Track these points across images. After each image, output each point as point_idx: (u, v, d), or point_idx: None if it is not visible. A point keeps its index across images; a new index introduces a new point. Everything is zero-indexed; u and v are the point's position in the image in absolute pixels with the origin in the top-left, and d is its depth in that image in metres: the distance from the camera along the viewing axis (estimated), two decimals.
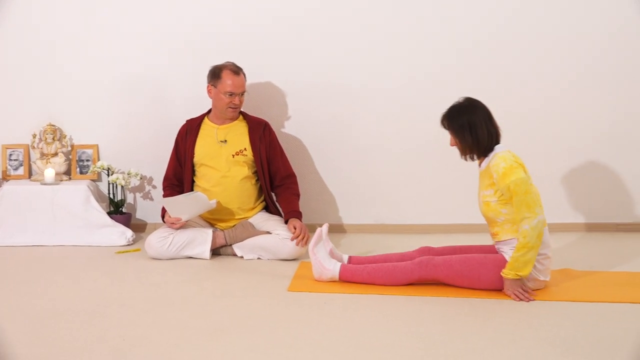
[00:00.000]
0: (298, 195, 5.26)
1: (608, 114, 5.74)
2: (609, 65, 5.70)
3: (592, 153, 5.78)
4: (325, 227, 4.45)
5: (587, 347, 3.30)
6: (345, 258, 4.51)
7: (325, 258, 4.35)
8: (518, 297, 3.98)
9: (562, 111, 5.75)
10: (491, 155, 4.12)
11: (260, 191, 5.24)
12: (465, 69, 5.73)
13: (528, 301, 3.96)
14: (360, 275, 4.28)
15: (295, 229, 4.97)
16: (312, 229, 5.39)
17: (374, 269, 4.26)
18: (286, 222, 5.08)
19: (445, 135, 4.27)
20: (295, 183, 5.30)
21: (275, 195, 5.30)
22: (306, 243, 4.92)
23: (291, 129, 5.81)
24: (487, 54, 5.72)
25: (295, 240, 4.92)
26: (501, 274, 4.02)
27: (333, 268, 4.31)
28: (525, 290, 4.01)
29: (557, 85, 5.73)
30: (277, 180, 5.24)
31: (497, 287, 4.09)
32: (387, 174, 5.82)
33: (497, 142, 4.15)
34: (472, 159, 4.19)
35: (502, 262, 4.07)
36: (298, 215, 5.11)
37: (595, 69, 5.71)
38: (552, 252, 4.16)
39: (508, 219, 4.07)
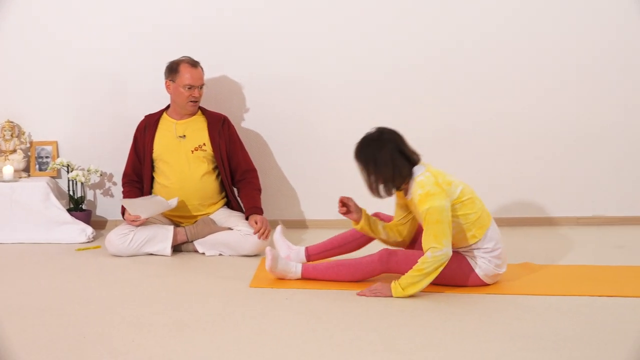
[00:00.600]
0: (259, 190, 5.27)
1: (572, 108, 5.82)
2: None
3: (553, 147, 5.83)
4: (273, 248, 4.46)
5: (547, 341, 3.33)
6: (302, 251, 4.51)
7: (286, 265, 4.30)
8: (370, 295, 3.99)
9: (529, 112, 5.83)
10: (411, 182, 4.02)
11: (222, 187, 5.23)
12: (431, 67, 5.79)
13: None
14: (322, 272, 4.25)
15: (256, 223, 4.97)
16: (273, 224, 5.41)
17: (339, 265, 4.24)
18: (247, 219, 5.08)
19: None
20: (256, 177, 5.30)
21: (237, 190, 5.30)
22: (267, 237, 4.93)
23: (251, 123, 5.81)
24: (465, 51, 5.80)
25: (257, 236, 4.93)
26: (391, 284, 3.98)
27: (295, 271, 4.29)
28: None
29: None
30: (237, 175, 5.24)
31: (456, 282, 4.11)
32: (349, 169, 5.82)
33: (415, 164, 4.03)
34: (388, 193, 4.06)
35: (464, 259, 4.09)
36: (259, 211, 5.12)
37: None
38: (504, 244, 4.15)
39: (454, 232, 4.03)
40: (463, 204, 4.01)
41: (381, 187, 4.04)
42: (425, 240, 3.91)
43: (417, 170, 4.02)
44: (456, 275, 4.09)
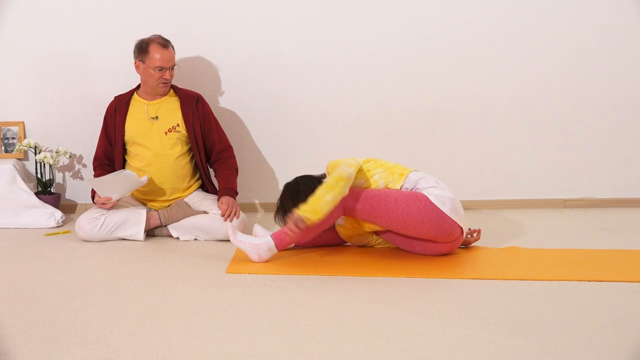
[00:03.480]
0: (235, 170, 5.25)
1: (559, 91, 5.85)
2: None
3: (539, 129, 5.85)
4: (231, 223, 4.61)
5: (533, 327, 3.34)
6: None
7: (251, 238, 4.37)
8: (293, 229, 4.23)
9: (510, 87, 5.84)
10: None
11: (196, 169, 5.22)
12: (418, 47, 5.83)
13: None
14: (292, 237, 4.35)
15: (223, 204, 4.96)
16: (251, 207, 5.39)
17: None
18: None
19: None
20: (232, 156, 5.28)
21: (214, 171, 5.29)
22: (232, 220, 4.93)
23: (227, 103, 5.79)
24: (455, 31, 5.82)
25: (226, 219, 4.91)
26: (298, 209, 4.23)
27: (265, 240, 4.33)
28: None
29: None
30: (213, 155, 5.23)
31: (414, 222, 4.24)
32: (329, 149, 5.84)
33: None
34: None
35: (423, 197, 4.24)
36: (231, 193, 5.09)
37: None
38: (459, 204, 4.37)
39: (378, 179, 4.42)
40: (368, 167, 4.48)
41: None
42: (333, 173, 4.30)
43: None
44: (417, 214, 4.23)
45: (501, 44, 5.78)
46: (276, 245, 4.32)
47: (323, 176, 4.58)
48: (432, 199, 4.25)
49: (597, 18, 5.76)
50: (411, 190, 4.36)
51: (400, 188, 4.38)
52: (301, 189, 4.49)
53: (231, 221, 4.91)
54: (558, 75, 5.81)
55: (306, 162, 5.81)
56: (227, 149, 5.28)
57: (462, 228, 4.35)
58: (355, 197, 4.30)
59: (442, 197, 4.28)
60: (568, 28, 5.77)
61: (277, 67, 5.79)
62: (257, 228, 4.68)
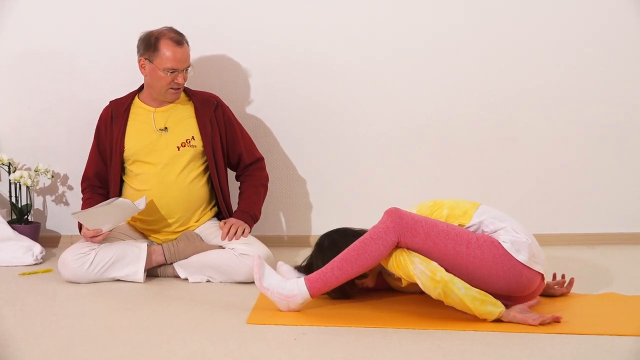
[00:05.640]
0: (263, 186, 5.31)
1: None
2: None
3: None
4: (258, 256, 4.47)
5: None
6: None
7: (281, 284, 4.31)
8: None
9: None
10: None
11: (212, 193, 5.20)
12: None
13: None
14: (330, 276, 4.27)
15: (225, 225, 5.02)
16: (278, 241, 5.38)
17: (343, 259, 4.26)
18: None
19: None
20: (261, 168, 5.34)
21: (239, 189, 5.32)
22: (230, 239, 4.98)
23: (253, 111, 5.80)
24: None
25: (253, 257, 4.86)
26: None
27: (298, 288, 4.28)
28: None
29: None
30: (239, 170, 5.25)
31: (488, 272, 4.17)
32: (373, 167, 5.86)
33: None
34: None
35: (495, 243, 4.19)
36: (246, 218, 5.12)
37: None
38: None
39: None
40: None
41: None
42: None
43: None
44: (487, 254, 4.19)
45: (512, 54, 5.87)
46: (311, 294, 4.28)
47: (363, 231, 4.50)
48: (506, 246, 4.19)
49: (609, 31, 5.89)
50: (475, 231, 4.32)
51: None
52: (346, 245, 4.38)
53: (230, 240, 4.93)
54: (572, 89, 5.93)
55: (343, 185, 5.87)
56: (257, 162, 5.28)
57: (542, 275, 4.29)
58: (416, 228, 4.24)
59: (518, 242, 4.21)
60: (579, 37, 5.90)
61: (310, 69, 5.81)
62: (283, 268, 4.62)
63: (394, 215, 4.21)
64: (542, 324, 4.02)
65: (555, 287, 4.60)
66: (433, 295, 4.11)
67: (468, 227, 4.30)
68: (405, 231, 4.19)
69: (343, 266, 4.24)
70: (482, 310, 4.05)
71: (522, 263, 4.17)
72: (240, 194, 5.25)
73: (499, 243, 4.19)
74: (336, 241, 4.47)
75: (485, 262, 4.16)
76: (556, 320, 4.05)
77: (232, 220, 5.06)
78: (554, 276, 4.64)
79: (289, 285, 4.30)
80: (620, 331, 3.98)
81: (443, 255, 4.19)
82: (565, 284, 4.61)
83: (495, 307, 4.06)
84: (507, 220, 4.30)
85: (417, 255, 4.15)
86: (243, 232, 4.99)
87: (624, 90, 5.81)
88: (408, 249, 4.23)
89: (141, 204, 4.94)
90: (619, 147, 5.86)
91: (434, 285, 4.07)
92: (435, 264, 4.12)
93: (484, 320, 4.08)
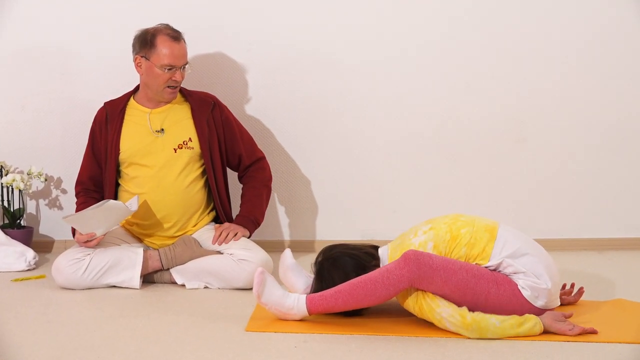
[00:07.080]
0: (266, 187, 5.32)
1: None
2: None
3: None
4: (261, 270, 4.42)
5: None
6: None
7: (280, 301, 4.28)
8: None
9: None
10: (383, 256, 4.42)
11: (210, 196, 5.20)
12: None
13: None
14: (333, 305, 4.22)
15: (217, 229, 5.04)
16: (279, 246, 5.35)
17: (349, 293, 4.20)
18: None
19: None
20: (263, 168, 5.35)
21: (242, 190, 5.33)
22: (221, 242, 4.99)
23: (253, 112, 5.81)
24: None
25: (254, 263, 4.88)
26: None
27: (297, 308, 4.25)
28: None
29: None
30: (240, 171, 5.24)
31: (500, 308, 4.12)
32: (382, 174, 5.86)
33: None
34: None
35: (518, 293, 4.12)
36: (247, 223, 5.14)
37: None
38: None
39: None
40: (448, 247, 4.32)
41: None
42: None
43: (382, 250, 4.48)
44: (511, 302, 4.14)
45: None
46: (309, 311, 4.25)
47: (368, 250, 4.48)
48: (526, 294, 4.13)
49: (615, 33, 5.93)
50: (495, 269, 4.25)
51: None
52: (349, 269, 4.37)
53: (227, 242, 4.96)
54: (589, 88, 5.96)
55: (347, 188, 5.87)
56: (258, 161, 5.30)
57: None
58: (433, 277, 4.14)
59: (537, 289, 4.14)
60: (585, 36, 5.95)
61: (312, 69, 5.82)
62: (288, 261, 4.59)
63: (412, 264, 4.11)
64: (580, 334, 4.00)
65: (563, 296, 4.57)
66: (469, 336, 4.03)
67: (486, 267, 4.21)
68: (421, 280, 4.11)
69: (348, 300, 4.19)
70: (524, 332, 4.02)
71: (537, 308, 4.14)
72: (241, 198, 5.27)
73: (519, 291, 4.13)
74: (334, 270, 4.41)
75: (503, 310, 4.12)
76: (593, 332, 4.02)
77: (226, 224, 5.07)
78: (564, 286, 4.61)
79: (289, 302, 4.26)
80: (631, 339, 3.98)
81: (462, 302, 4.14)
82: (573, 293, 4.58)
83: (533, 323, 4.02)
84: (527, 256, 4.20)
85: (438, 298, 4.10)
86: (235, 235, 4.97)
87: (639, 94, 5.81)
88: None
89: (133, 205, 4.92)
90: (631, 151, 5.86)
91: (467, 328, 4.01)
92: (456, 307, 4.08)
93: None
